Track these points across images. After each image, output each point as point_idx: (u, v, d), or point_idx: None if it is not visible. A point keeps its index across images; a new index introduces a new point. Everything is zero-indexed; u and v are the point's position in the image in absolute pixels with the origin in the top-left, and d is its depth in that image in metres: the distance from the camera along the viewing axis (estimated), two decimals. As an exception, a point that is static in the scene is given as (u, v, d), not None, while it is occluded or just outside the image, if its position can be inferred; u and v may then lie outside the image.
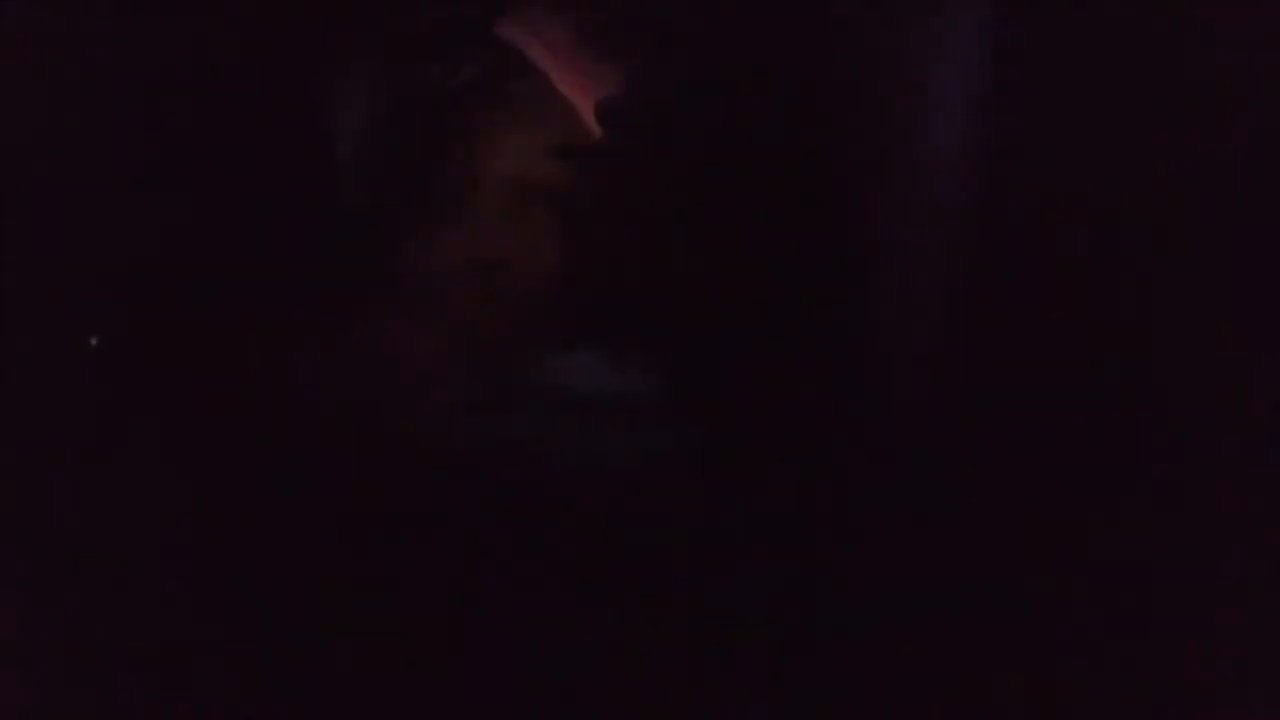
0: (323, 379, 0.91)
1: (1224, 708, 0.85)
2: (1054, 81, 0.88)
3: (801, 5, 0.90)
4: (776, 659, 0.88)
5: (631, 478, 0.90)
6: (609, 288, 0.93)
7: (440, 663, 0.87)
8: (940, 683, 0.87)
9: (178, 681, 0.86)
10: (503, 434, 0.91)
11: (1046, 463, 0.87)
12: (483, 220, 0.93)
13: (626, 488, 0.90)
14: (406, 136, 0.93)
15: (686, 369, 0.93)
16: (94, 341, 0.88)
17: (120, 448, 0.88)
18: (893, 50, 0.89)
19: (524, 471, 0.91)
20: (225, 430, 0.89)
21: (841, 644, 0.87)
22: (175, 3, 0.88)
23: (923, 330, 0.90)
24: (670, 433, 0.91)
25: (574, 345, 0.93)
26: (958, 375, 0.88)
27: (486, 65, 0.93)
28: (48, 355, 0.87)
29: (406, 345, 0.93)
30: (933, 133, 0.89)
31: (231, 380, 0.89)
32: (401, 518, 0.89)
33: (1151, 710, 0.86)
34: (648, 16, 0.92)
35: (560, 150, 0.92)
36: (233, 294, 0.90)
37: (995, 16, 0.87)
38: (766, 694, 0.87)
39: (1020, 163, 0.88)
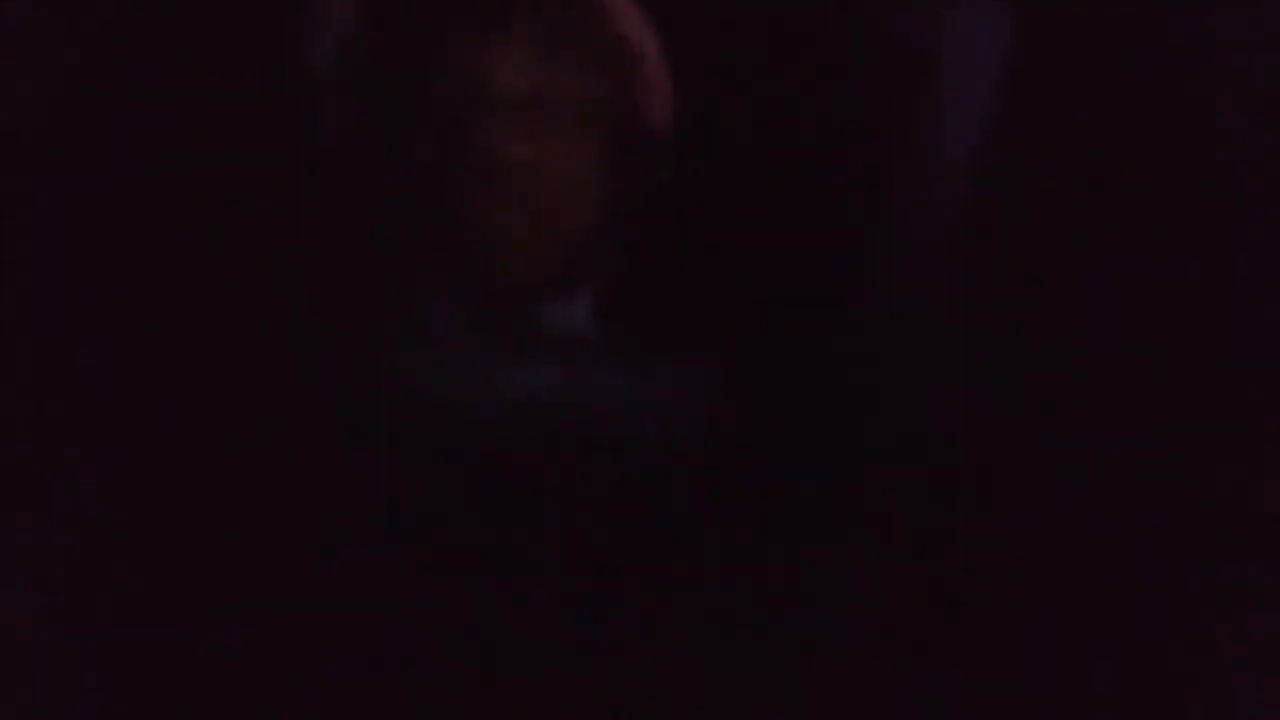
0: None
1: (1224, 708, 0.85)
2: (1064, 90, 0.89)
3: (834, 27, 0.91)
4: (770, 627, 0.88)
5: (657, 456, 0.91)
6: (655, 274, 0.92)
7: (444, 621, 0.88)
8: (942, 678, 0.87)
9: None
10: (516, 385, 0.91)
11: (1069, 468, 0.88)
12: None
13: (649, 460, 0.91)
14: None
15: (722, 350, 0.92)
16: None
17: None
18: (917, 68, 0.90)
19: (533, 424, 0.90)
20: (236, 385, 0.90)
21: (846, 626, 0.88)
22: None
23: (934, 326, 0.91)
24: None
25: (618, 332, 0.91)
26: (967, 376, 0.89)
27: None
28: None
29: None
30: (955, 149, 0.90)
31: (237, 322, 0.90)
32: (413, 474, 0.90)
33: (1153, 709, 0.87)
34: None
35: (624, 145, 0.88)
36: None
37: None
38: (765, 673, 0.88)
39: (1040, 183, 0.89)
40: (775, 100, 0.91)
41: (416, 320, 0.90)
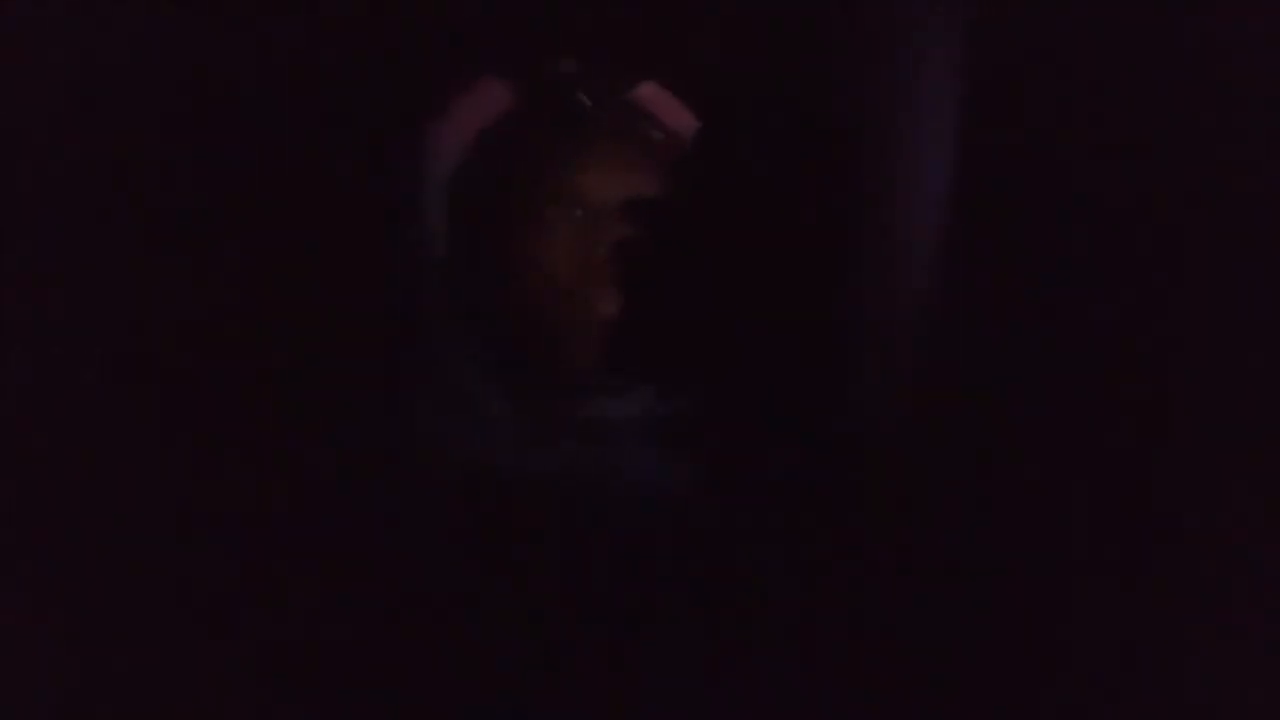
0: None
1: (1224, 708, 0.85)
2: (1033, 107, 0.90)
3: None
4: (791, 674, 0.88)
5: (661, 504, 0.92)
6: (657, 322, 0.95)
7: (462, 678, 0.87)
8: (939, 682, 0.87)
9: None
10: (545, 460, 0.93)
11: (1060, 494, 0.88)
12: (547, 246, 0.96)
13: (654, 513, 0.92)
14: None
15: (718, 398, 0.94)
16: None
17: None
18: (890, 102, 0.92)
19: (563, 495, 0.92)
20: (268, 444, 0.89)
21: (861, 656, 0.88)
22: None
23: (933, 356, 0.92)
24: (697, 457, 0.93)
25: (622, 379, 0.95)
26: (963, 391, 0.90)
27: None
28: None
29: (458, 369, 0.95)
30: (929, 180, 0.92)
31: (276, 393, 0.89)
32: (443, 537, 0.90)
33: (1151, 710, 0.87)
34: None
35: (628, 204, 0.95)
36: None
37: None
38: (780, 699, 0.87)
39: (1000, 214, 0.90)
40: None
41: (461, 396, 0.96)
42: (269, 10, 0.89)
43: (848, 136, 0.92)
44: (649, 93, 1.00)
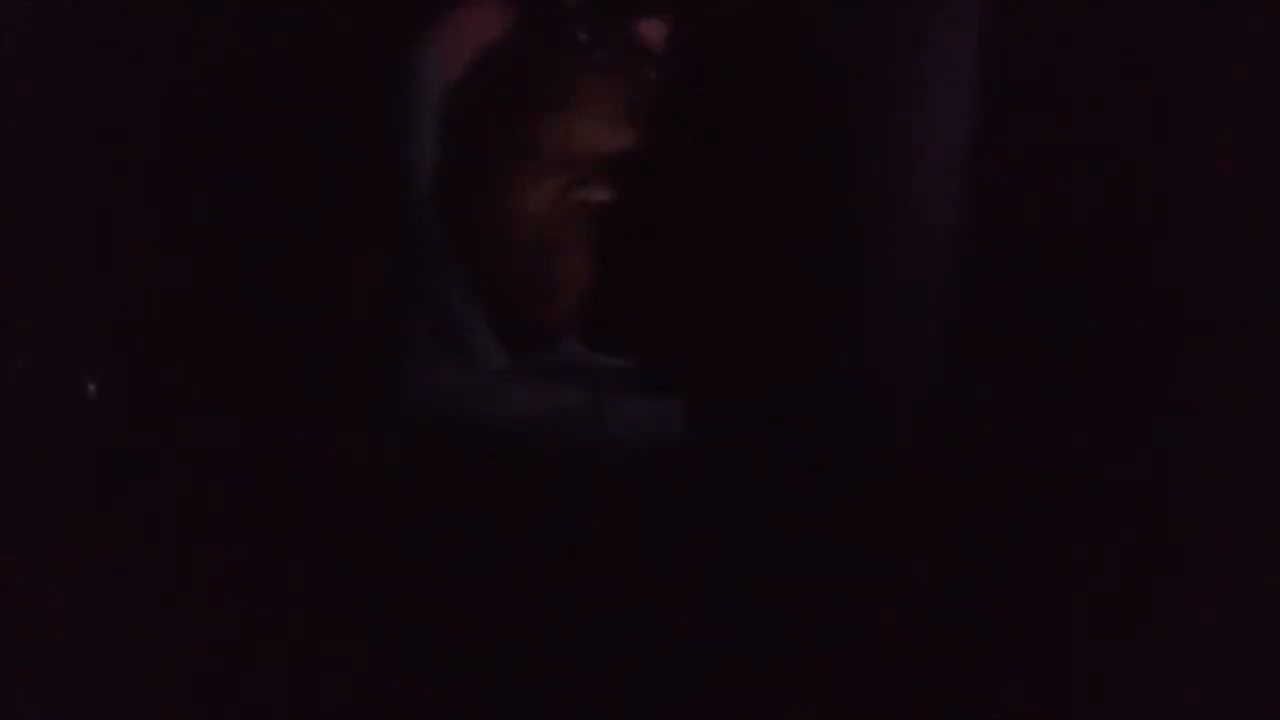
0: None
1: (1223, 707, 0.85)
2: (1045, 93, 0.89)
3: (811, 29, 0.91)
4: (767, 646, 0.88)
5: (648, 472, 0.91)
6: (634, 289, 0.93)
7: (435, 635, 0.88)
8: (935, 681, 0.87)
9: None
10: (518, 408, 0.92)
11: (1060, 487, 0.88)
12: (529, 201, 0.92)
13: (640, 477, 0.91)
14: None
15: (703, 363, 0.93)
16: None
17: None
18: (895, 71, 0.90)
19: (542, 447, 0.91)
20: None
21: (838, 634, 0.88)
22: None
23: (923, 339, 0.91)
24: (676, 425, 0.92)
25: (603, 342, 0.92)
26: (960, 382, 0.89)
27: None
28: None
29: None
30: (934, 150, 0.90)
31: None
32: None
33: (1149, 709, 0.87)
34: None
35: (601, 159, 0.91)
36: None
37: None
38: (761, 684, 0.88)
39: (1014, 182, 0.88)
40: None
41: (448, 339, 0.93)
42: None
43: (852, 111, 0.90)
44: (652, 35, 0.93)
